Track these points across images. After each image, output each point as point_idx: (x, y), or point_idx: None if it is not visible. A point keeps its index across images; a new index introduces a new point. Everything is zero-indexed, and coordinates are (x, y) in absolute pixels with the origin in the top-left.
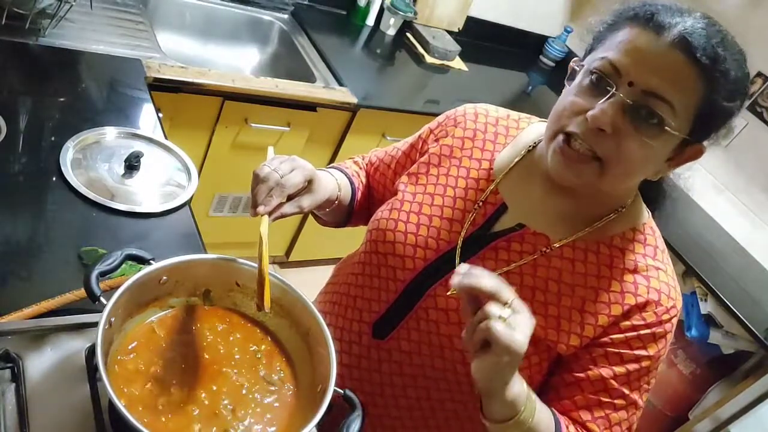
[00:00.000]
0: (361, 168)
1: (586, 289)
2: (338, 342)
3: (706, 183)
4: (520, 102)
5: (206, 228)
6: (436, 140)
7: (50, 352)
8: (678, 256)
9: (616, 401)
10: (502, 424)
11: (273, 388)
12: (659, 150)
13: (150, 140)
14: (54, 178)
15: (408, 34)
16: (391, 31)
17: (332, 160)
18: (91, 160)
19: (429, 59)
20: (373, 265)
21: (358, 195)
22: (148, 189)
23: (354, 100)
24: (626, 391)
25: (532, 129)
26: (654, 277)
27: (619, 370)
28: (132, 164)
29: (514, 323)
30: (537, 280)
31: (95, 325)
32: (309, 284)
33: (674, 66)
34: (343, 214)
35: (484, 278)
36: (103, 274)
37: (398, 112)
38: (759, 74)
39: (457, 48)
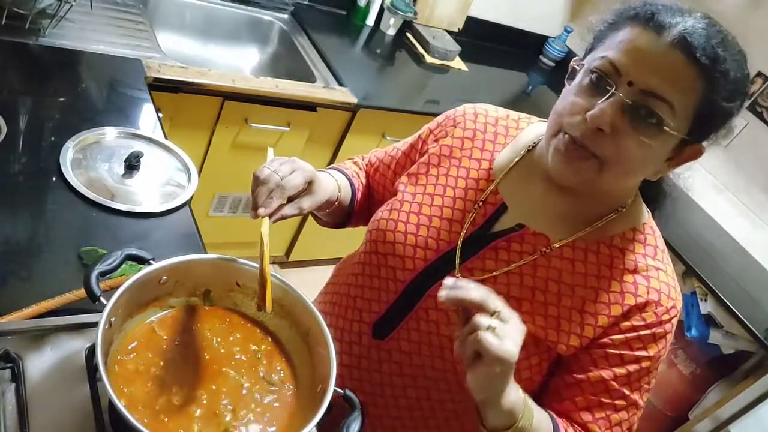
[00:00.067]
0: (360, 168)
1: (586, 289)
2: (338, 342)
3: (706, 183)
4: (520, 102)
5: (206, 228)
6: (436, 140)
7: (50, 352)
8: (678, 256)
9: (616, 402)
10: None
11: (273, 388)
12: (658, 150)
13: (150, 140)
14: (54, 178)
15: (408, 34)
16: (391, 31)
17: (332, 160)
18: (91, 160)
19: (429, 59)
20: (373, 266)
21: (358, 195)
22: (148, 189)
23: (354, 100)
24: (627, 392)
25: (532, 129)
26: (654, 278)
27: (620, 371)
28: (132, 164)
29: (503, 333)
30: (537, 280)
31: (95, 325)
32: (309, 284)
33: (674, 66)
34: (343, 214)
35: (470, 290)
36: (103, 274)
37: (398, 112)
38: (759, 74)
39: (457, 48)
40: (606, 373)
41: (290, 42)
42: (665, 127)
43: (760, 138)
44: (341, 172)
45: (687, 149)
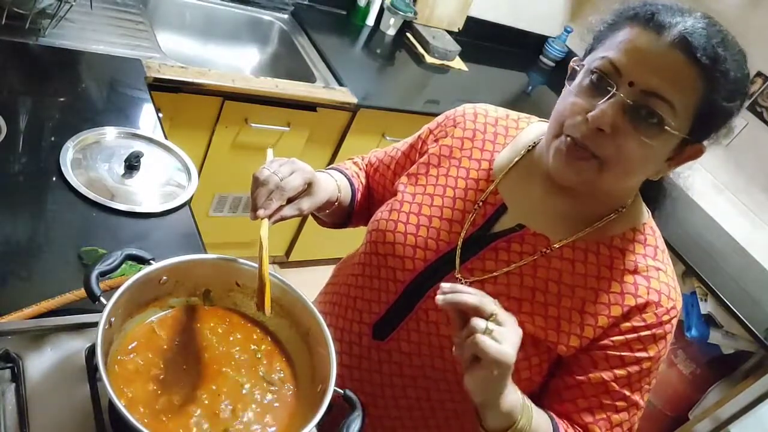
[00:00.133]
0: (360, 169)
1: (585, 289)
2: (338, 343)
3: (706, 183)
4: (520, 102)
5: (206, 228)
6: (436, 141)
7: (50, 352)
8: (678, 256)
9: (617, 403)
10: None
11: (273, 388)
12: (659, 149)
13: (150, 140)
14: (54, 178)
15: (408, 34)
16: (391, 31)
17: (332, 160)
18: (91, 160)
19: (429, 59)
20: (372, 266)
21: (358, 196)
22: (148, 189)
23: (354, 100)
24: (627, 393)
25: (532, 129)
26: (654, 278)
27: (620, 372)
28: (132, 164)
29: (500, 336)
30: (537, 280)
31: (95, 325)
32: (309, 284)
33: (674, 66)
34: (343, 215)
35: (465, 295)
36: (103, 274)
37: (398, 112)
38: (759, 74)
39: (457, 48)
40: (606, 375)
41: (290, 42)
42: (666, 127)
43: (760, 138)
44: (341, 172)
45: (688, 149)
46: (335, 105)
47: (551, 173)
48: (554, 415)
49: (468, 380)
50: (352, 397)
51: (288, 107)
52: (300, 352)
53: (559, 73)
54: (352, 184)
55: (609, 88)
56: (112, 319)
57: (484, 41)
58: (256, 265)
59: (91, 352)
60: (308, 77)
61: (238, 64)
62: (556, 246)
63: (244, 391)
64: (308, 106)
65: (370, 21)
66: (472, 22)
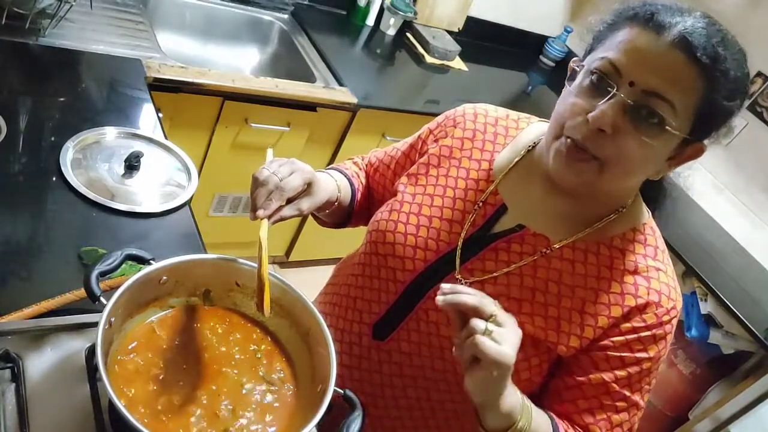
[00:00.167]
0: (360, 169)
1: (586, 290)
2: (338, 343)
3: (706, 183)
4: (520, 102)
5: (206, 228)
6: (436, 141)
7: (50, 352)
8: (678, 256)
9: (617, 403)
10: None
11: (273, 388)
12: (660, 149)
13: (150, 140)
14: (54, 178)
15: (408, 34)
16: (391, 31)
17: (332, 160)
18: (91, 160)
19: (429, 59)
20: (373, 267)
21: (358, 196)
22: (148, 189)
23: (354, 100)
24: (627, 393)
25: (532, 129)
26: (654, 278)
27: (620, 373)
28: (132, 164)
29: (499, 337)
30: (537, 281)
31: (95, 325)
32: (309, 284)
33: (674, 65)
34: (342, 215)
35: (465, 295)
36: (103, 274)
37: (398, 112)
38: (759, 74)
39: (457, 48)
40: (607, 376)
41: (290, 42)
42: (667, 127)
43: (760, 138)
44: (341, 172)
45: (688, 148)
46: (335, 105)
47: (551, 175)
48: (554, 416)
49: (468, 381)
50: (352, 397)
51: (288, 107)
52: (300, 352)
53: (559, 73)
54: (352, 184)
55: (609, 89)
56: (112, 319)
57: (484, 41)
58: (256, 265)
59: (91, 352)
60: (308, 77)
61: (238, 64)
62: (556, 246)
63: (244, 391)
64: (308, 106)
65: (370, 21)
66: (472, 22)
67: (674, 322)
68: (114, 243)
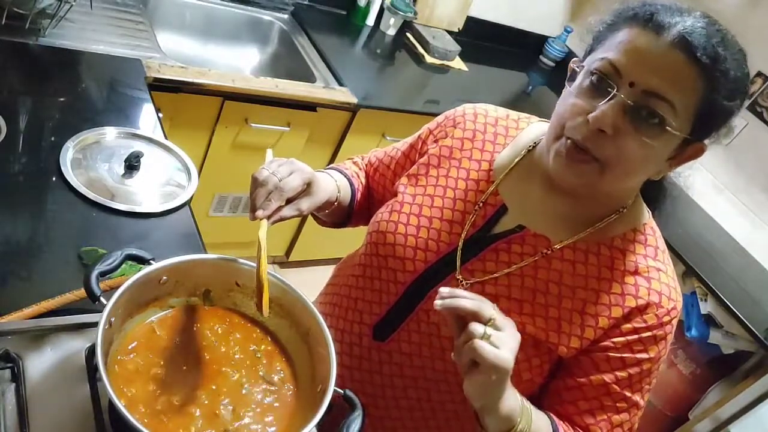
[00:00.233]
0: (360, 168)
1: (586, 291)
2: (339, 343)
3: (706, 183)
4: (520, 102)
5: (206, 228)
6: (436, 141)
7: (50, 352)
8: (678, 256)
9: (618, 404)
10: None
11: (273, 388)
12: (660, 150)
13: (150, 140)
14: (54, 178)
15: (408, 34)
16: (391, 31)
17: (332, 160)
18: (91, 160)
19: (429, 59)
20: (373, 267)
21: (358, 196)
22: (148, 189)
23: (354, 100)
24: (628, 394)
25: (532, 129)
26: (655, 279)
27: (621, 374)
28: (132, 164)
29: (498, 341)
30: (537, 282)
31: (95, 325)
32: (309, 284)
33: (674, 66)
34: (342, 215)
35: (463, 300)
36: (103, 274)
37: (398, 112)
38: (759, 74)
39: (457, 48)
40: (608, 377)
41: (290, 42)
42: (667, 127)
43: (760, 138)
44: (340, 172)
45: (689, 148)
46: (335, 105)
47: (552, 176)
48: (554, 417)
49: (467, 385)
50: (352, 397)
51: (288, 107)
52: (300, 352)
53: (559, 73)
54: (351, 184)
55: (609, 89)
56: (112, 319)
57: (484, 41)
58: (256, 266)
59: (91, 352)
60: (308, 77)
61: (238, 64)
62: (557, 247)
63: (244, 391)
64: (308, 106)
65: (370, 21)
66: (472, 22)
67: (674, 322)
68: (114, 243)
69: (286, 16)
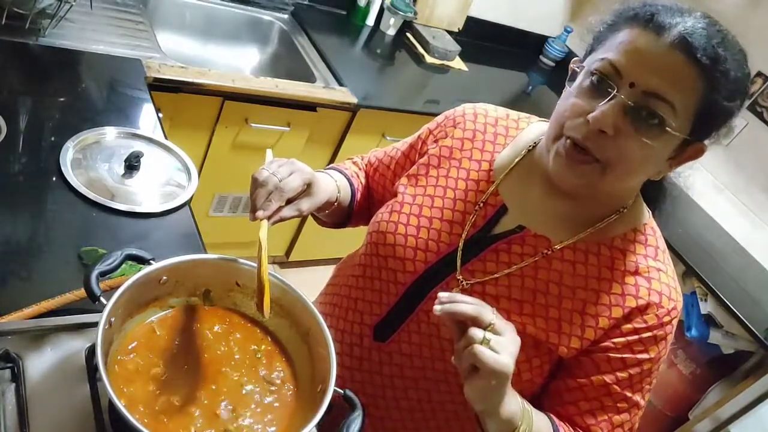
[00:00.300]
0: (360, 169)
1: (586, 291)
2: (339, 344)
3: (706, 183)
4: (520, 102)
5: (206, 228)
6: (436, 141)
7: (50, 352)
8: (678, 256)
9: (618, 404)
10: None
11: (273, 388)
12: (660, 150)
13: (150, 140)
14: (54, 178)
15: (408, 34)
16: (391, 31)
17: (332, 160)
18: (91, 160)
19: (429, 59)
20: (373, 268)
21: (358, 196)
22: (148, 189)
23: (354, 100)
24: (629, 394)
25: (532, 129)
26: (655, 279)
27: (622, 374)
28: (132, 164)
29: (497, 346)
30: (538, 282)
31: (95, 325)
32: (309, 284)
33: (675, 66)
34: (342, 215)
35: (463, 305)
36: (103, 274)
37: (398, 112)
38: (759, 74)
39: (457, 48)
40: (608, 377)
41: (290, 42)
42: (667, 128)
43: (760, 138)
44: (340, 172)
45: (689, 149)
46: (335, 105)
47: (552, 176)
48: (555, 418)
49: (467, 390)
50: (352, 397)
51: (288, 107)
52: (300, 352)
53: (559, 73)
54: (351, 184)
55: (609, 90)
56: (112, 319)
57: (484, 41)
58: (256, 266)
59: (91, 352)
60: (308, 77)
61: (238, 64)
62: (557, 247)
63: (244, 392)
64: (308, 106)
65: (370, 21)
66: (472, 22)
67: (675, 322)
68: (114, 243)
69: (286, 16)
